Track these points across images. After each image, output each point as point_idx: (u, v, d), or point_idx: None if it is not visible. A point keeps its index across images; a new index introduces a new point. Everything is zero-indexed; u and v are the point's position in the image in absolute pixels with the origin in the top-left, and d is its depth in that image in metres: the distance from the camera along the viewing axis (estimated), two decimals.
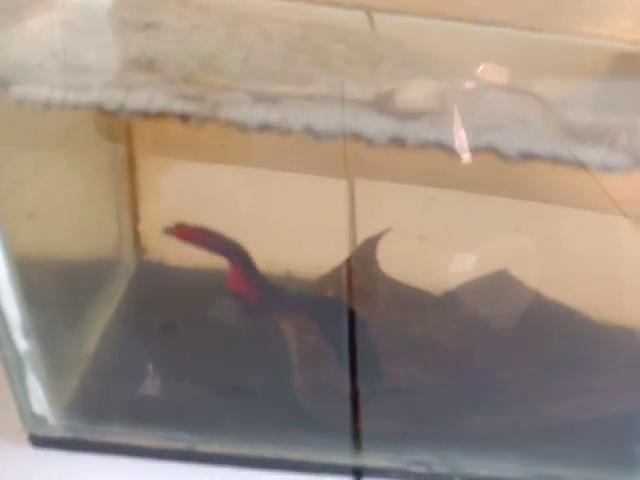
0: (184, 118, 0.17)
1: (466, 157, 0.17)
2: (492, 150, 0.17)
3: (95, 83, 0.18)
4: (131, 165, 0.33)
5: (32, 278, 0.21)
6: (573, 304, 0.35)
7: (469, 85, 0.24)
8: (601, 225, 0.41)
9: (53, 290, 0.23)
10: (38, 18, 0.23)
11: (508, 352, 0.29)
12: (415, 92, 0.22)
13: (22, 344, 0.22)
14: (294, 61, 0.24)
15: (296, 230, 0.36)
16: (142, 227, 0.34)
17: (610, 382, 0.28)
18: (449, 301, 0.31)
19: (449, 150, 0.17)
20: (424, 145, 0.17)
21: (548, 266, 0.36)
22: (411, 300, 0.32)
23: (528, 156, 0.18)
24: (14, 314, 0.21)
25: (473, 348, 0.29)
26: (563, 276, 0.36)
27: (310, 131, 0.17)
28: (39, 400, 0.24)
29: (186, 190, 0.36)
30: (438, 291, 0.34)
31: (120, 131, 0.32)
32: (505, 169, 0.19)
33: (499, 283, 0.32)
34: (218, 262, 0.35)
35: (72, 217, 0.28)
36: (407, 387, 0.27)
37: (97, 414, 0.26)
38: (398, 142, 0.17)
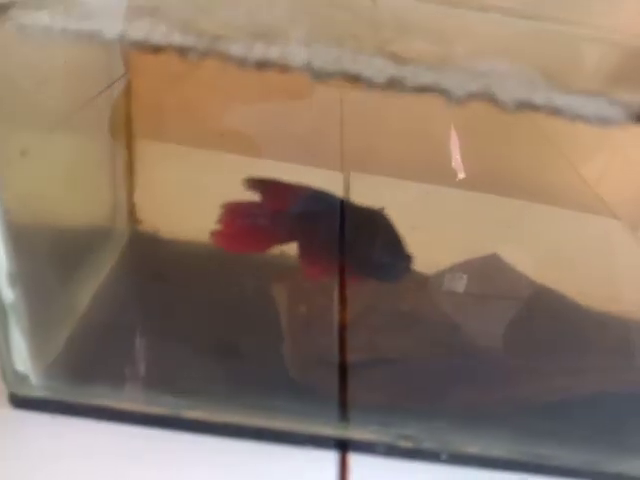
0: (183, 51, 0.17)
1: (463, 103, 0.17)
2: (489, 98, 0.17)
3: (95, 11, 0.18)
4: (128, 135, 0.33)
5: (23, 226, 0.21)
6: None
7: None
8: (593, 226, 0.42)
9: (44, 243, 0.23)
10: None
11: (498, 330, 0.29)
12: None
13: (8, 293, 0.21)
14: (297, 23, 0.24)
15: None
16: (137, 198, 0.34)
17: (597, 362, 0.28)
18: (440, 279, 0.32)
19: (447, 95, 0.17)
20: (422, 89, 0.17)
21: (538, 263, 0.36)
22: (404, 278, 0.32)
23: (526, 105, 0.18)
24: (1, 258, 0.20)
25: (463, 325, 0.29)
26: (553, 270, 0.36)
27: (310, 69, 0.17)
28: (22, 357, 0.23)
29: (183, 164, 0.35)
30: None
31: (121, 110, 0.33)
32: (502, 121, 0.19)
33: (490, 265, 0.33)
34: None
35: (67, 180, 0.28)
36: (396, 359, 0.27)
37: (81, 375, 0.25)
38: (396, 84, 0.17)
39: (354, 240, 0.29)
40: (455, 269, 0.32)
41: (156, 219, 0.34)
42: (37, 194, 0.23)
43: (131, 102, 0.35)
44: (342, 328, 0.27)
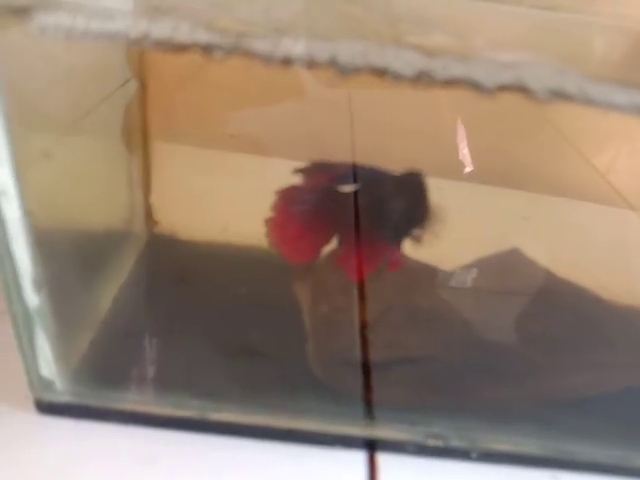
0: (207, 50, 0.16)
1: (493, 94, 0.17)
2: (521, 88, 0.17)
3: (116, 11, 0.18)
4: (145, 136, 0.33)
5: (45, 230, 0.21)
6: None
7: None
8: (609, 217, 0.41)
9: (66, 247, 0.23)
10: None
11: (522, 326, 0.29)
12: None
13: (33, 299, 0.21)
14: (314, 18, 0.24)
15: None
16: (154, 199, 0.34)
17: (623, 357, 0.28)
18: (461, 275, 0.31)
19: (477, 87, 0.17)
20: (452, 81, 0.17)
21: (556, 256, 0.36)
22: (424, 274, 0.31)
23: (558, 95, 0.17)
24: (26, 264, 0.20)
25: (487, 321, 0.28)
26: (572, 264, 0.36)
27: (335, 64, 0.17)
28: (47, 362, 0.23)
29: (199, 166, 0.35)
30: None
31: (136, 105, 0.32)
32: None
33: (511, 260, 0.32)
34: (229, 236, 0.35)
35: (85, 184, 0.28)
36: (420, 357, 0.27)
37: (105, 379, 0.25)
38: (425, 77, 0.17)
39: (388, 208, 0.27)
40: (476, 265, 0.31)
41: (173, 220, 0.34)
42: (57, 197, 0.23)
43: (145, 105, 0.35)
44: (363, 327, 0.26)
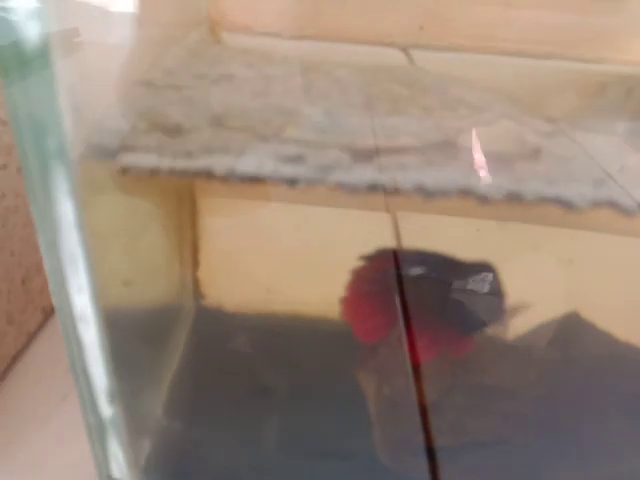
0: (292, 182, 0.16)
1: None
2: (612, 205, 0.17)
3: (192, 146, 0.18)
4: (193, 212, 0.33)
5: (118, 338, 0.21)
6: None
7: (553, 128, 0.24)
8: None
9: (133, 346, 0.23)
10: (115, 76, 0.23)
11: (590, 401, 0.28)
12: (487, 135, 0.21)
13: (107, 410, 0.21)
14: (374, 109, 0.24)
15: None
16: (200, 273, 0.34)
17: None
18: (522, 347, 0.30)
19: (567, 205, 0.16)
20: (542, 201, 0.16)
21: (608, 301, 0.35)
22: (482, 347, 0.30)
23: None
24: (101, 380, 0.20)
25: (552, 397, 0.28)
26: (627, 312, 0.35)
27: (421, 190, 0.16)
28: (119, 464, 0.23)
29: (243, 234, 0.35)
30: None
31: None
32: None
33: (571, 325, 0.31)
34: (274, 307, 0.34)
35: (145, 268, 0.28)
36: (487, 441, 0.26)
37: (173, 474, 0.25)
38: (514, 198, 0.16)
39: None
40: (536, 332, 0.31)
41: (219, 293, 0.34)
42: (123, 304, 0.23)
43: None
44: (424, 410, 0.26)
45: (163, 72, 0.24)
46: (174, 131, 0.19)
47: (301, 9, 0.31)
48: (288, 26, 0.29)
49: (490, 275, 0.30)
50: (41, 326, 0.40)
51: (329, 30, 0.30)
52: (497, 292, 0.27)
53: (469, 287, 0.28)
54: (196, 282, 0.34)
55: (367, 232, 0.35)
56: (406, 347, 0.26)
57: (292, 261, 0.35)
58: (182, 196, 0.32)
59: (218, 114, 0.21)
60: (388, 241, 0.34)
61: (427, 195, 0.16)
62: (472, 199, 0.17)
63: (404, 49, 0.30)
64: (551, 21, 0.32)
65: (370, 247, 0.35)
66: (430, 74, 0.29)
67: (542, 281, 0.34)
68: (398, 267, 0.27)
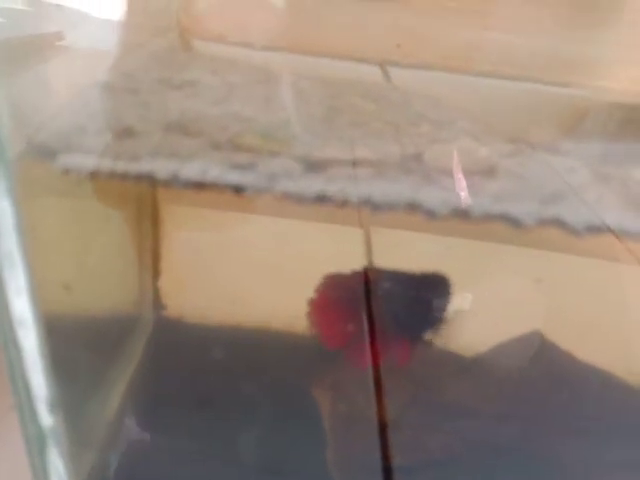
0: (238, 190, 0.16)
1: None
2: (558, 224, 0.17)
3: (141, 149, 0.17)
4: (154, 220, 0.33)
5: (60, 345, 0.20)
6: (605, 363, 0.34)
7: (513, 148, 0.24)
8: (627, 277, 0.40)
9: (77, 354, 0.22)
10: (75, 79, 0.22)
11: (548, 420, 0.28)
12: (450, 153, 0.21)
13: (47, 419, 0.20)
14: (334, 122, 0.23)
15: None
16: (162, 283, 0.33)
17: None
18: (482, 365, 0.30)
19: (514, 223, 0.16)
20: (488, 218, 0.16)
21: (573, 321, 0.35)
22: (444, 363, 0.30)
23: (595, 229, 0.17)
24: (41, 388, 0.19)
25: (511, 415, 0.27)
26: (590, 334, 0.35)
27: (369, 203, 0.16)
28: (60, 476, 0.22)
29: (208, 244, 0.35)
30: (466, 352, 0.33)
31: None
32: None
33: (532, 344, 0.31)
34: (238, 319, 0.34)
35: (94, 273, 0.27)
36: (443, 459, 0.26)
37: None
38: (460, 214, 0.16)
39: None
40: (496, 350, 0.31)
41: (181, 303, 0.33)
42: (70, 310, 0.22)
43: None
44: (383, 427, 0.25)
45: (123, 76, 0.24)
46: (124, 134, 0.18)
47: (278, 22, 0.31)
48: (262, 38, 0.29)
49: (443, 286, 0.30)
50: None
51: (305, 44, 0.30)
52: (443, 302, 0.27)
53: (419, 297, 0.29)
54: (157, 292, 0.33)
55: (335, 246, 0.34)
56: (368, 357, 0.26)
57: (259, 273, 0.35)
58: (143, 203, 0.32)
59: (174, 119, 0.21)
60: (357, 256, 0.34)
61: (374, 208, 0.16)
62: (419, 214, 0.16)
63: (380, 65, 0.31)
64: (526, 45, 0.32)
65: (338, 261, 0.34)
66: (398, 90, 0.29)
67: (507, 300, 0.35)
68: (367, 282, 0.27)
